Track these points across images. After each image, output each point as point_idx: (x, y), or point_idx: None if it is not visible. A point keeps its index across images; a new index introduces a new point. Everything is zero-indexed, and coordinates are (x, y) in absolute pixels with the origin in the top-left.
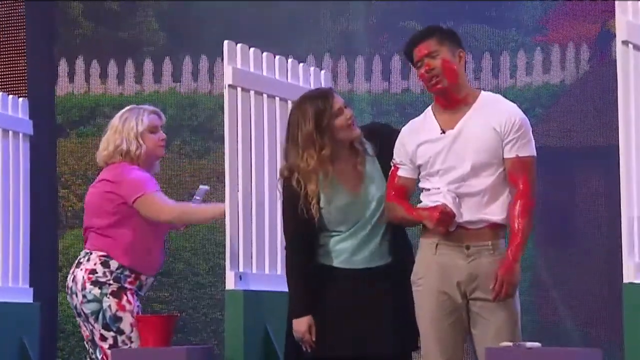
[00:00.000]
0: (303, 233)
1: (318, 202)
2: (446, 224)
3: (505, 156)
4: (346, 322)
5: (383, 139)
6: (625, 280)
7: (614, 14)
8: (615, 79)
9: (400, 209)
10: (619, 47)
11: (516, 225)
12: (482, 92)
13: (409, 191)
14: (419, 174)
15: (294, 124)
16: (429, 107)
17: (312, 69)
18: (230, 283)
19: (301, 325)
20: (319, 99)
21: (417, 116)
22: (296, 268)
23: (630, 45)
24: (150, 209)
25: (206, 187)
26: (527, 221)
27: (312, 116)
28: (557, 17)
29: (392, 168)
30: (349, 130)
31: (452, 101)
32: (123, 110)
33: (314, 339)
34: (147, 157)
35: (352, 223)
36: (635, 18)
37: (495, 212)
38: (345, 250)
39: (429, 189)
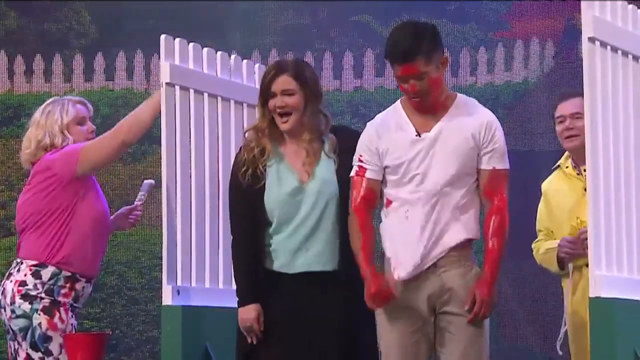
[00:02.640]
0: (248, 214)
1: (265, 160)
2: (378, 303)
3: (481, 167)
4: (290, 338)
5: (346, 143)
6: (592, 294)
7: (580, 8)
8: (581, 77)
9: (358, 238)
10: (585, 44)
11: (492, 243)
12: (458, 94)
13: (377, 197)
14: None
15: None
16: (398, 103)
17: (257, 65)
18: (167, 298)
19: (249, 312)
20: (270, 70)
21: (370, 117)
22: (241, 252)
23: (597, 42)
24: (98, 150)
25: (151, 181)
26: (504, 239)
27: (260, 82)
28: (520, 12)
29: (357, 169)
30: (277, 117)
31: (432, 105)
32: (45, 103)
33: (262, 329)
34: None
35: (289, 213)
36: (602, 13)
37: (470, 228)
38: (286, 251)
39: (394, 199)
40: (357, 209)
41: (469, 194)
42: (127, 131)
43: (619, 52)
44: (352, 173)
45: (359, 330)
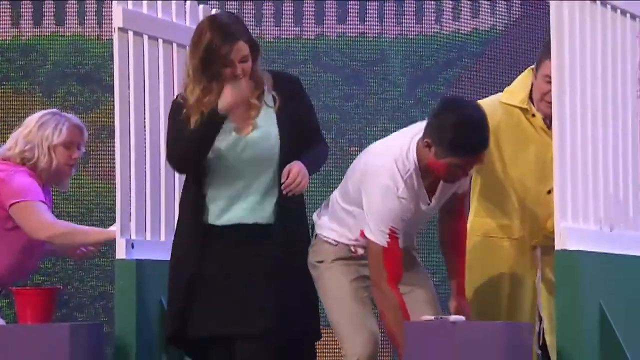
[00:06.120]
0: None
1: None
2: None
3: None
4: (223, 291)
5: (290, 94)
6: (558, 247)
7: None
8: (549, 26)
9: (399, 319)
10: None
11: (460, 261)
12: None
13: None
14: None
15: (191, 44)
16: (416, 166)
17: (213, 10)
18: (120, 252)
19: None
20: (221, 36)
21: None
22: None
23: None
24: (27, 220)
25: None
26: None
27: (203, 49)
28: None
29: (387, 239)
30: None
31: None
32: (44, 111)
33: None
34: (52, 173)
35: (228, 166)
36: None
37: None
38: (220, 203)
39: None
40: (391, 284)
41: None
42: (58, 234)
43: None
44: (379, 241)
45: (296, 283)
